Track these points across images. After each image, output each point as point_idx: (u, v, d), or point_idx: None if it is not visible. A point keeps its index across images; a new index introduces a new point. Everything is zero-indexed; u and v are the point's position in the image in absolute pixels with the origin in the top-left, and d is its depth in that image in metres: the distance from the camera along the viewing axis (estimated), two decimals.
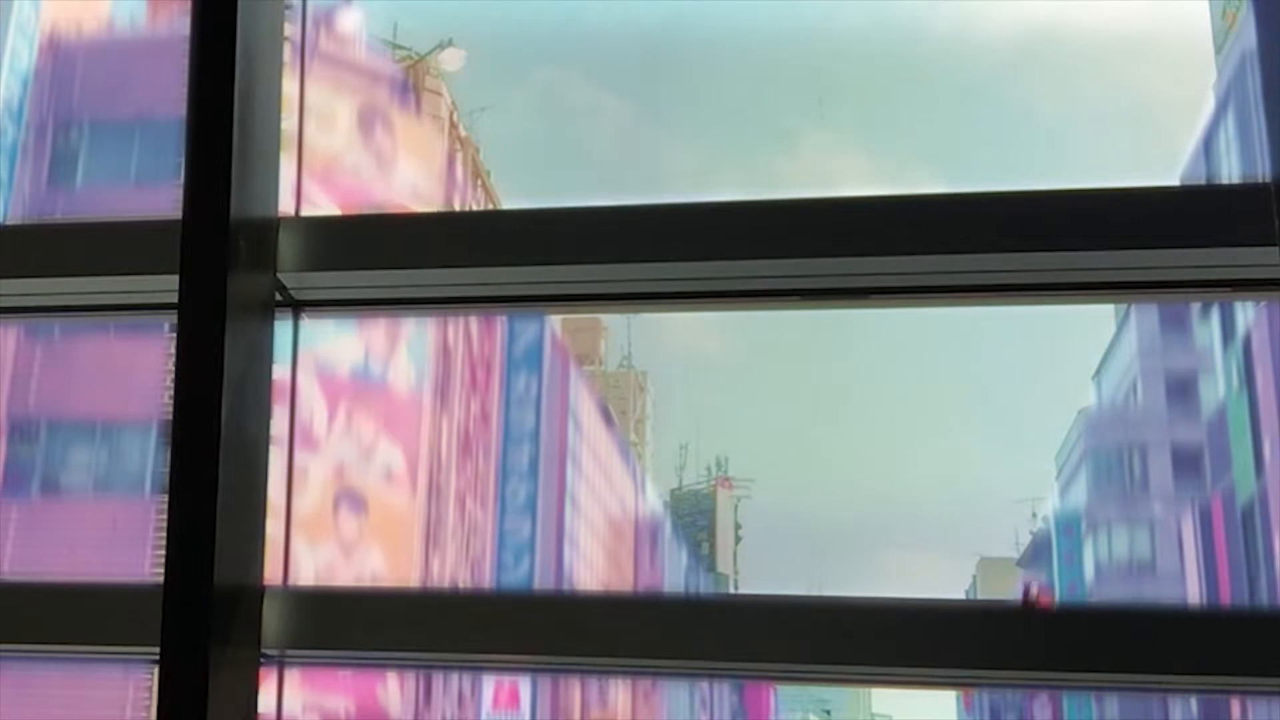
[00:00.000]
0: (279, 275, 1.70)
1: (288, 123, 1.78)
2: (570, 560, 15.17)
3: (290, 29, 1.85)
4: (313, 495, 12.28)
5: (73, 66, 12.98)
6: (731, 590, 16.60)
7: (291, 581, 1.81)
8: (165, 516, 1.53)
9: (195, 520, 1.52)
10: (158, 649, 1.50)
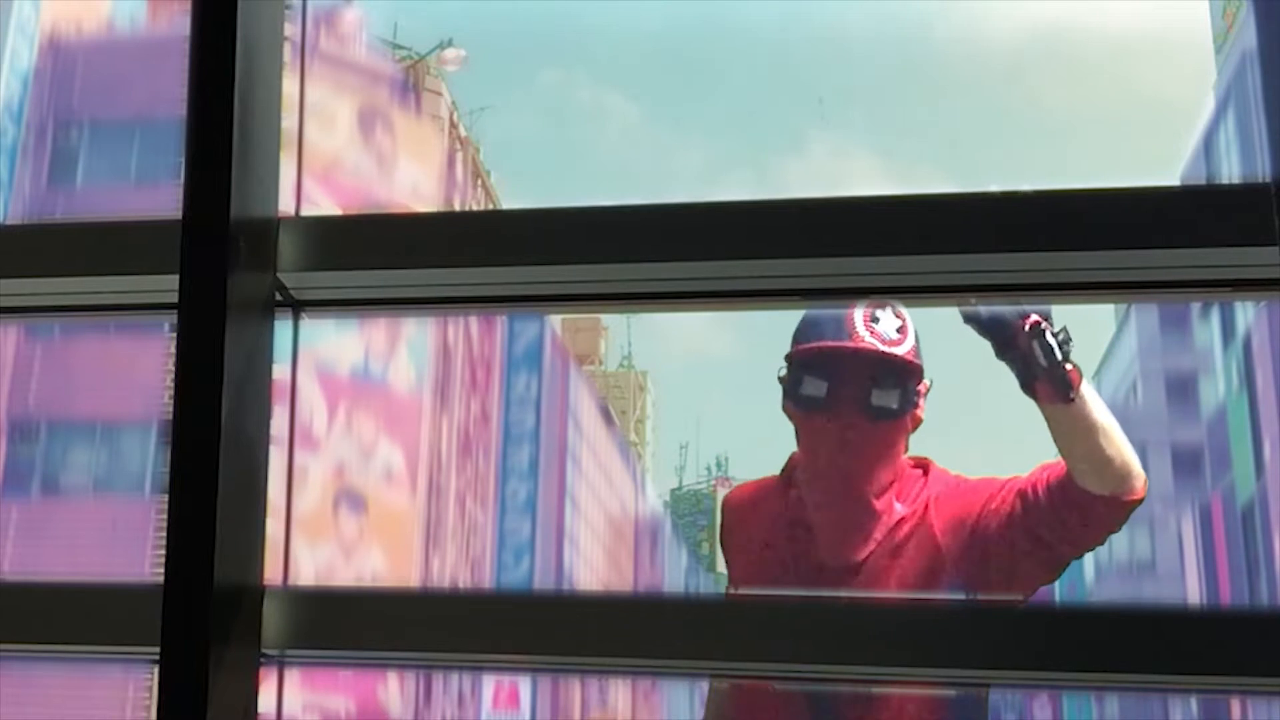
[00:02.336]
0: (279, 275, 1.70)
1: (288, 123, 1.78)
2: (570, 560, 15.17)
3: (290, 29, 1.84)
4: (313, 495, 12.29)
5: (73, 66, 12.98)
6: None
7: (291, 581, 1.81)
8: (165, 516, 1.53)
9: (195, 520, 1.52)
10: (158, 649, 1.50)
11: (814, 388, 2.20)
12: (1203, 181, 14.26)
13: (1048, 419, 2.04)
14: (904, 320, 2.19)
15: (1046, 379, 2.00)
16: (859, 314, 2.17)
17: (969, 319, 2.01)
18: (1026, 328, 1.98)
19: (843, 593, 2.24)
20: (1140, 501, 2.07)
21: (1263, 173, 1.53)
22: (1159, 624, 1.52)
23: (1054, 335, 1.99)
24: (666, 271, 1.70)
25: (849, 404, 2.19)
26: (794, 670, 1.74)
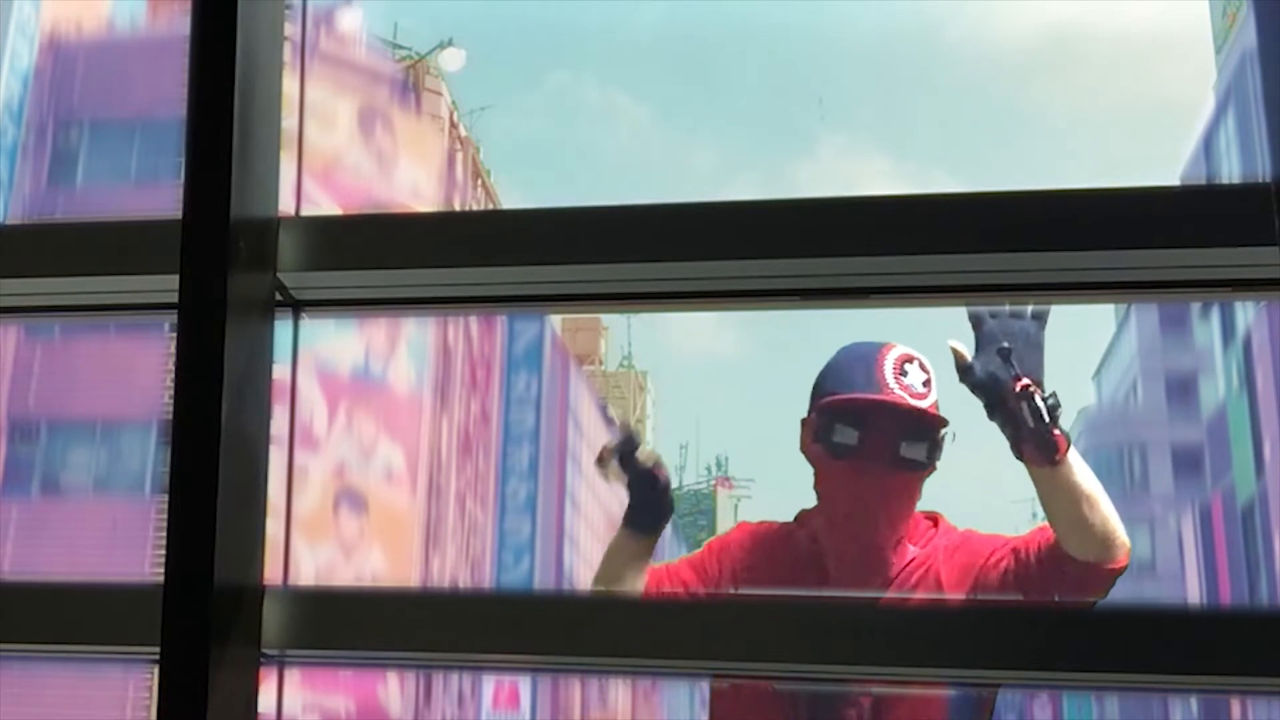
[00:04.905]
0: (279, 275, 1.70)
1: (288, 122, 1.78)
2: (570, 560, 15.17)
3: (290, 29, 1.85)
4: (313, 495, 12.28)
5: (73, 66, 12.99)
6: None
7: (291, 581, 1.81)
8: (165, 516, 1.53)
9: (195, 520, 1.52)
10: (158, 649, 1.50)
11: (846, 436, 2.27)
12: (1203, 181, 14.27)
13: (1034, 481, 2.10)
14: (929, 374, 2.26)
15: (1032, 440, 2.06)
16: (889, 366, 2.24)
17: (964, 377, 2.08)
18: (1017, 389, 2.03)
19: (847, 593, 2.25)
20: (1122, 570, 2.12)
21: (1263, 173, 1.53)
22: (1159, 624, 1.52)
23: (1043, 399, 2.04)
24: (667, 271, 1.70)
25: (879, 454, 2.24)
26: (795, 670, 1.74)
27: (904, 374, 2.24)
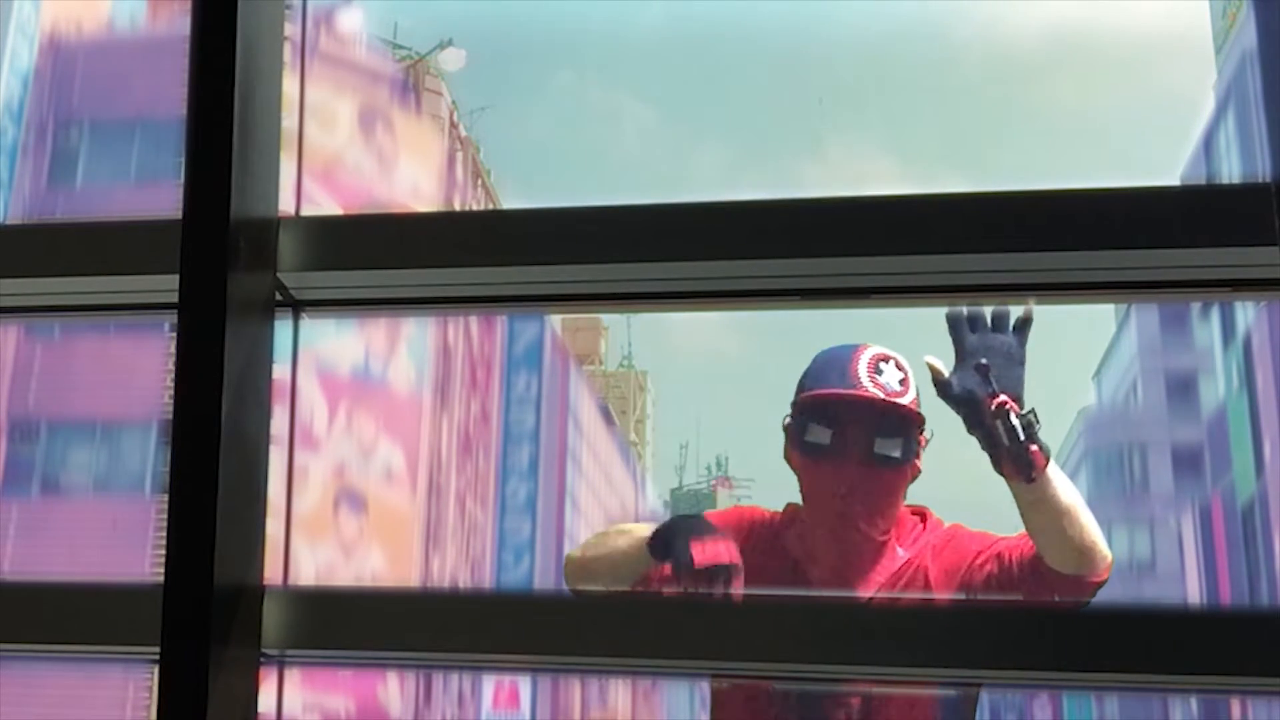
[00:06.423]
0: (279, 275, 1.70)
1: (288, 122, 1.78)
2: None
3: (290, 29, 1.85)
4: (313, 495, 12.29)
5: (73, 66, 12.99)
6: None
7: (291, 581, 1.81)
8: (165, 516, 1.53)
9: (195, 520, 1.52)
10: (158, 649, 1.50)
11: (819, 435, 2.24)
12: (1203, 181, 14.27)
13: (1014, 496, 2.09)
14: (906, 373, 2.24)
15: (1009, 458, 2.05)
16: (863, 365, 2.22)
17: (942, 393, 2.07)
18: (993, 407, 2.03)
19: (841, 593, 2.25)
20: (1103, 583, 2.12)
21: (1263, 173, 1.53)
22: (1159, 624, 1.52)
23: (1020, 416, 2.03)
24: (666, 271, 1.70)
25: (853, 452, 2.22)
26: (794, 670, 1.74)
27: (879, 372, 2.23)
